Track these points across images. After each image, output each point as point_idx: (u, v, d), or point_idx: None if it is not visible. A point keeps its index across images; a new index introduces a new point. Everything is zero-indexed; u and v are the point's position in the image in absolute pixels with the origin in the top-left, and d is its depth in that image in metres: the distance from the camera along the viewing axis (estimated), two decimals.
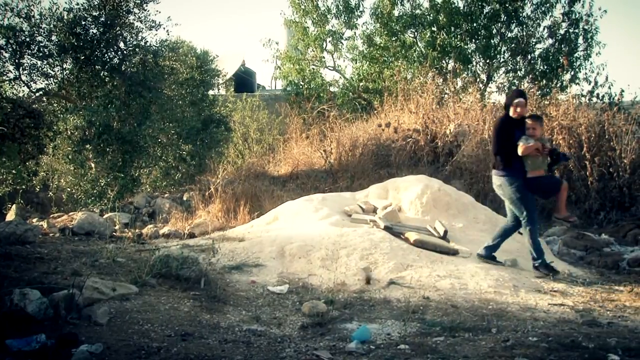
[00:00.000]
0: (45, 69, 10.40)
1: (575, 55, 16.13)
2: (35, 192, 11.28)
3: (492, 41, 16.40)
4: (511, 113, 6.40)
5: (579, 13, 16.23)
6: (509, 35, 16.63)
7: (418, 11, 17.01)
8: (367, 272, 6.10)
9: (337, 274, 6.00)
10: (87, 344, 3.69)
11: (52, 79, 10.57)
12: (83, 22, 10.31)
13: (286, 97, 17.09)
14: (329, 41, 17.88)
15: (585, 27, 16.18)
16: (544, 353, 3.66)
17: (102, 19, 10.40)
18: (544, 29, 16.61)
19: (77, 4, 10.25)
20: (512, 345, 3.84)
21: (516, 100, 6.36)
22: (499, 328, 4.40)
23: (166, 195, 11.42)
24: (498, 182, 6.50)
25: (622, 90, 11.26)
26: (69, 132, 10.24)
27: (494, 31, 16.50)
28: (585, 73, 15.87)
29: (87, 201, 10.23)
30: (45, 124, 10.45)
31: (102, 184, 10.26)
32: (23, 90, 10.76)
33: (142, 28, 10.82)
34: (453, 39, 16.14)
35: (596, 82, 13.21)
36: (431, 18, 16.65)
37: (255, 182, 10.70)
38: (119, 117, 10.40)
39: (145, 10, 10.67)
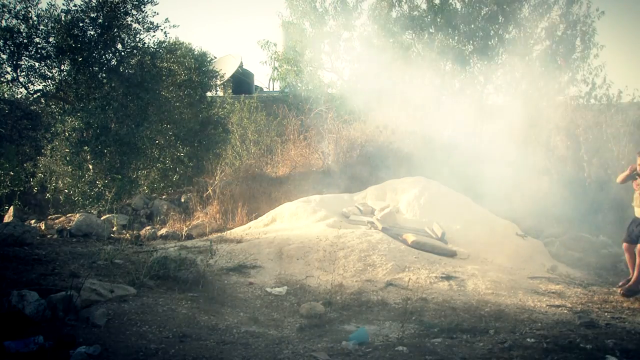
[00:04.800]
0: (42, 71, 10.41)
1: (573, 56, 16.14)
2: (33, 193, 11.26)
3: (489, 42, 16.40)
4: None
5: (577, 14, 16.24)
6: (507, 36, 16.62)
7: (416, 13, 17.02)
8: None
9: (335, 275, 6.00)
10: (85, 345, 3.68)
11: (49, 80, 10.58)
12: (81, 24, 10.31)
13: (284, 99, 17.07)
14: (327, 42, 17.88)
15: (583, 28, 16.19)
16: (542, 354, 3.65)
17: (100, 21, 10.39)
18: (541, 30, 16.61)
19: (75, 5, 10.27)
20: (510, 347, 3.84)
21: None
22: (496, 329, 4.40)
23: (164, 196, 11.40)
24: None
25: (620, 92, 11.25)
26: (67, 134, 10.22)
27: (492, 32, 16.50)
28: (583, 74, 15.86)
29: (85, 203, 10.22)
30: (43, 126, 10.45)
31: (100, 186, 10.25)
32: (21, 92, 10.78)
33: (140, 30, 10.84)
34: (451, 40, 16.15)
35: (594, 84, 13.20)
36: (429, 19, 16.66)
37: (253, 184, 10.69)
38: (116, 119, 10.39)
39: (143, 12, 10.68)
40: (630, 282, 5.87)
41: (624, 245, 6.09)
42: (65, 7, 10.26)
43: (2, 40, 9.85)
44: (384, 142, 11.29)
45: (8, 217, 9.75)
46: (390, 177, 9.58)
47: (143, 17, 10.72)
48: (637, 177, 6.06)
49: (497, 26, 16.47)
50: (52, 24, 10.20)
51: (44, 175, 10.96)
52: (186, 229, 8.84)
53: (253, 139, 14.32)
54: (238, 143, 14.20)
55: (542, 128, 9.84)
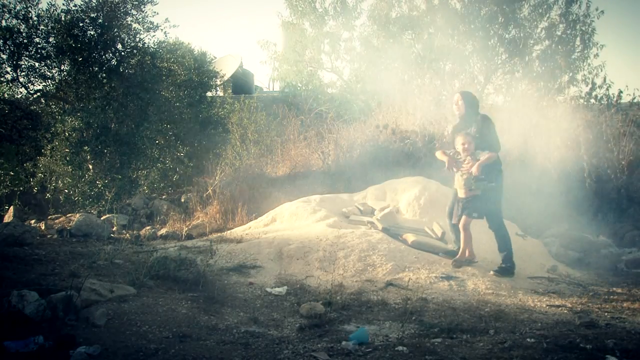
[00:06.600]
0: (42, 71, 10.42)
1: (573, 56, 16.14)
2: (32, 193, 11.26)
3: (489, 43, 16.40)
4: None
5: (576, 14, 16.25)
6: (507, 36, 16.63)
7: (415, 13, 17.02)
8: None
9: (335, 275, 6.00)
10: (85, 345, 3.68)
11: (49, 80, 10.60)
12: (81, 24, 10.32)
13: (284, 99, 17.08)
14: (327, 43, 17.90)
15: (583, 28, 16.19)
16: (542, 354, 3.65)
17: (100, 21, 10.40)
18: (541, 30, 16.63)
19: (75, 5, 10.28)
20: (510, 347, 3.84)
21: None
22: (496, 329, 4.39)
23: (164, 196, 11.41)
24: None
25: (621, 92, 11.23)
26: (67, 134, 10.23)
27: (492, 32, 16.50)
28: (584, 74, 15.86)
29: (85, 203, 10.22)
30: (42, 126, 10.45)
31: (100, 186, 10.25)
32: (21, 92, 10.79)
33: (140, 30, 10.85)
34: (450, 40, 16.15)
35: (594, 84, 13.20)
36: (428, 20, 16.66)
37: (253, 184, 10.68)
38: (116, 119, 10.40)
39: (143, 12, 10.70)
40: (458, 255, 6.55)
41: (452, 223, 6.67)
42: (65, 7, 10.30)
43: (2, 40, 9.86)
44: (384, 142, 11.27)
45: (8, 217, 9.76)
46: (390, 177, 9.56)
47: (143, 17, 10.74)
48: (458, 157, 6.40)
49: (497, 26, 16.47)
50: (52, 24, 10.21)
51: (44, 175, 10.97)
52: (186, 229, 8.84)
53: (253, 139, 14.32)
54: (238, 143, 14.19)
55: (541, 128, 9.82)
